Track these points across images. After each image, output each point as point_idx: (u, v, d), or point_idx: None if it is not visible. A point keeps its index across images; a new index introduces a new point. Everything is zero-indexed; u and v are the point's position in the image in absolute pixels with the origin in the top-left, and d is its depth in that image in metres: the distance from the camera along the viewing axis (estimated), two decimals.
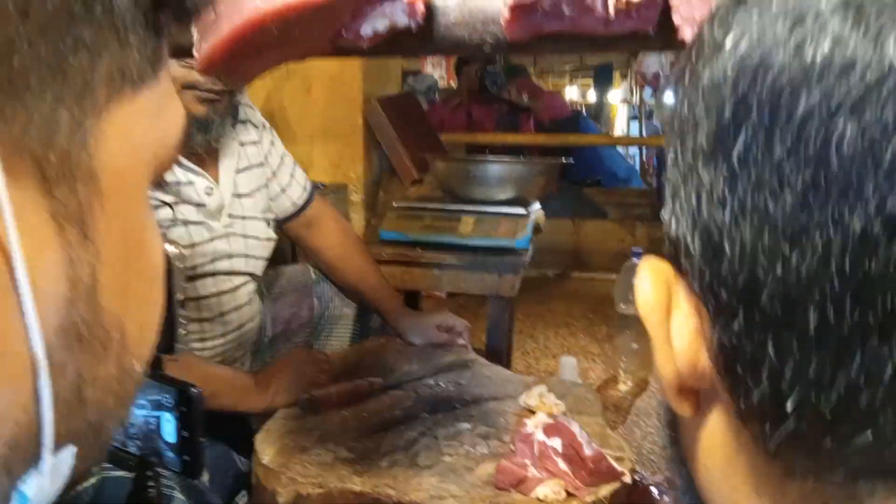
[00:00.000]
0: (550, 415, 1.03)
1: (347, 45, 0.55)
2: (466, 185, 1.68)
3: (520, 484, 0.89)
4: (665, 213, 0.27)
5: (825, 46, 0.21)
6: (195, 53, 0.51)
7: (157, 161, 0.25)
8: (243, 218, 1.22)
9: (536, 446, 0.94)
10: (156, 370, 0.53)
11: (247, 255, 1.23)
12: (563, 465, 0.92)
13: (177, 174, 1.12)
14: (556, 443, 0.94)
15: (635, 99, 5.51)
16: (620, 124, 6.38)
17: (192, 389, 0.52)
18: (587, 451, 0.92)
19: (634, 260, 1.95)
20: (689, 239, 0.25)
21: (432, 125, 2.62)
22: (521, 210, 1.67)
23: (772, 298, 0.22)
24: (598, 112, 6.11)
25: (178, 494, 0.75)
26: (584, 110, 5.54)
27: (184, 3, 0.24)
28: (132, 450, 0.60)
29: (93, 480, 0.90)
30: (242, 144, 1.25)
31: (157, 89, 0.24)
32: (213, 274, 1.18)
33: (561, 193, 2.90)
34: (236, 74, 0.53)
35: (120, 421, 0.26)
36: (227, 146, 1.21)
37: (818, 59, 0.21)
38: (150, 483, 0.62)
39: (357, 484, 0.86)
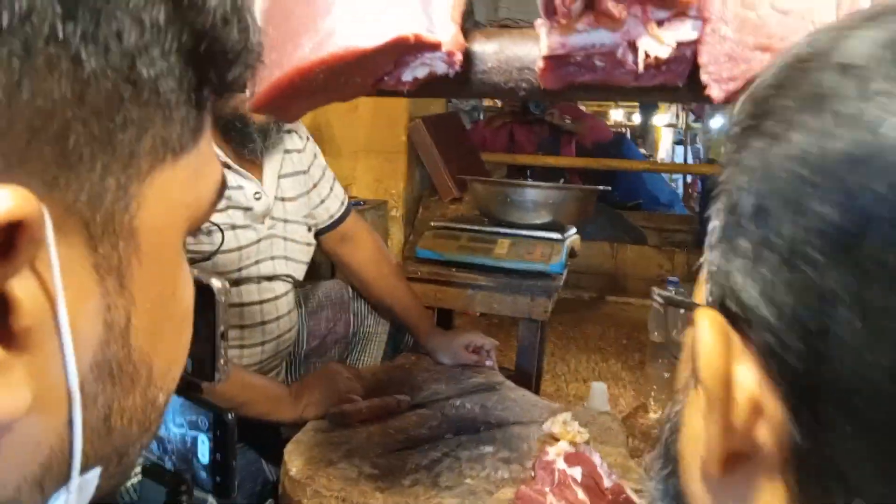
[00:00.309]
0: (573, 443, 1.04)
1: (389, 88, 0.58)
2: (503, 208, 1.70)
3: None
4: (732, 269, 0.25)
5: None
6: (247, 94, 0.55)
7: (192, 218, 0.27)
8: (285, 221, 1.27)
9: (557, 474, 0.95)
10: (195, 393, 0.57)
11: (287, 258, 1.27)
12: (581, 495, 0.93)
13: (228, 179, 1.17)
14: (577, 472, 0.95)
15: (681, 123, 5.46)
16: (665, 147, 6.32)
17: (228, 415, 0.55)
18: (607, 483, 0.93)
19: (670, 288, 1.94)
20: (777, 324, 0.23)
21: (474, 145, 2.65)
22: (556, 235, 1.68)
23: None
24: (644, 135, 6.07)
25: (211, 499, 0.79)
26: (628, 133, 5.52)
27: (224, 80, 0.26)
28: (168, 465, 0.63)
29: (134, 481, 0.95)
30: (287, 152, 1.31)
31: (197, 154, 0.27)
32: (258, 280, 1.22)
33: (600, 216, 2.89)
34: (285, 114, 0.57)
35: (142, 446, 0.29)
36: (272, 152, 1.27)
37: None
38: (184, 497, 0.65)
39: (379, 500, 0.88)
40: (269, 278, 1.25)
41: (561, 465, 0.96)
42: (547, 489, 0.93)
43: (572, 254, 1.76)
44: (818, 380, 0.22)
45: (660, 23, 0.53)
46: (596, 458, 0.96)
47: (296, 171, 1.32)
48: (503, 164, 2.86)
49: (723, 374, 0.25)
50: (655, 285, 2.33)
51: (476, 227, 1.72)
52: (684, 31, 0.53)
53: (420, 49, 0.53)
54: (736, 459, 0.26)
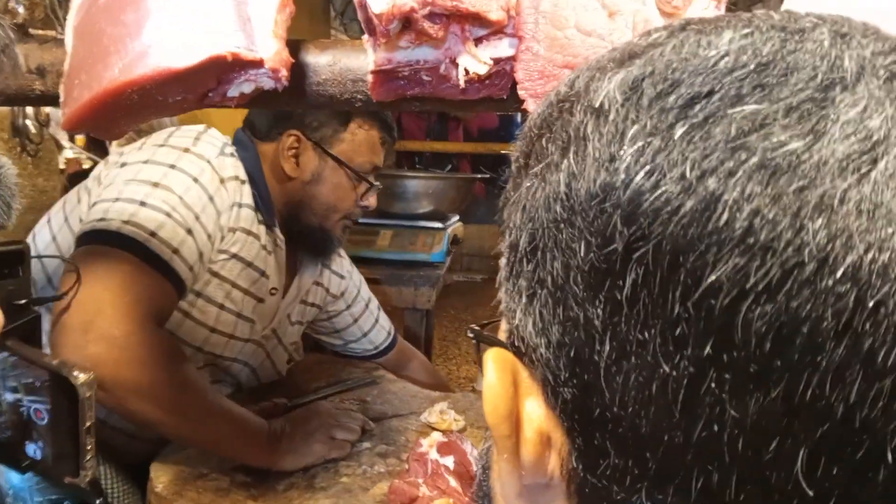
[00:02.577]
0: (447, 432, 1.07)
1: (215, 105, 0.57)
2: (384, 199, 1.70)
3: (411, 503, 0.93)
4: (516, 307, 0.26)
5: (743, 215, 0.19)
6: (61, 113, 0.53)
7: None
8: (279, 341, 1.23)
9: (430, 465, 0.98)
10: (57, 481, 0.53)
11: (255, 372, 1.21)
12: (454, 482, 0.96)
13: (259, 258, 1.10)
14: (449, 461, 0.99)
15: None
16: None
17: (96, 502, 0.53)
18: (476, 469, 0.97)
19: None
20: (547, 354, 0.24)
21: None
22: (438, 224, 1.71)
23: (654, 455, 0.21)
24: None
25: None
26: (519, 115, 5.63)
27: None
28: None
29: None
30: (317, 284, 1.30)
31: None
32: (220, 379, 1.16)
33: (488, 199, 2.96)
34: (105, 132, 0.55)
35: None
36: (305, 275, 1.24)
37: (736, 229, 0.19)
38: None
39: None
40: (229, 380, 1.17)
41: (434, 455, 0.99)
42: (420, 480, 0.96)
43: (455, 241, 1.80)
44: (586, 407, 0.23)
45: (479, 40, 0.55)
46: (467, 446, 1.00)
47: (315, 304, 1.31)
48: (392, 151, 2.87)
49: (507, 413, 0.25)
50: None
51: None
52: (501, 48, 0.55)
53: (241, 67, 0.52)
54: (536, 491, 0.26)
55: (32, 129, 1.49)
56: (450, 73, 0.56)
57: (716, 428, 0.20)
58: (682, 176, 0.20)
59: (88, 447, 0.50)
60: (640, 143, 0.21)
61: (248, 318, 1.11)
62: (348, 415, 1.07)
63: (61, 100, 0.53)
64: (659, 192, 0.20)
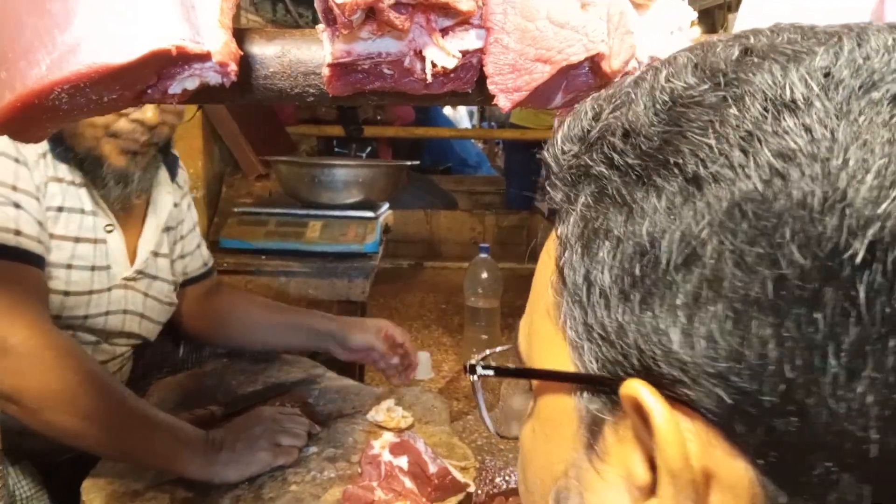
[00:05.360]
0: (397, 432, 1.05)
1: (155, 102, 0.51)
2: (311, 189, 1.65)
3: None
4: (667, 331, 0.23)
5: None
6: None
7: None
8: (154, 277, 1.13)
9: (383, 467, 0.95)
10: None
11: (143, 316, 1.12)
12: (409, 483, 0.94)
13: (86, 201, 1.00)
14: (403, 461, 0.96)
15: None
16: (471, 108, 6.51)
17: None
18: (432, 468, 0.95)
19: (482, 255, 2.02)
20: (740, 381, 0.21)
21: (278, 117, 2.53)
22: (369, 213, 1.67)
23: None
24: None
25: None
26: None
27: None
28: None
29: None
30: (176, 205, 1.19)
31: None
32: (103, 336, 1.06)
33: (413, 185, 2.92)
34: (26, 135, 0.48)
35: None
36: (159, 204, 1.14)
37: None
38: None
39: None
40: (115, 335, 1.07)
41: (387, 456, 0.96)
42: (374, 483, 0.93)
43: (386, 230, 1.76)
44: (800, 432, 0.21)
45: (444, 31, 0.52)
46: (420, 445, 0.98)
47: (168, 227, 1.18)
48: (312, 136, 2.77)
49: (686, 452, 0.23)
50: (471, 247, 2.39)
51: (284, 211, 1.65)
52: (469, 40, 0.52)
53: (185, 61, 0.47)
54: None
55: None
56: (414, 66, 0.53)
57: None
58: None
59: None
60: (862, 140, 0.20)
61: (102, 267, 1.04)
62: (292, 419, 1.02)
63: None
64: None
